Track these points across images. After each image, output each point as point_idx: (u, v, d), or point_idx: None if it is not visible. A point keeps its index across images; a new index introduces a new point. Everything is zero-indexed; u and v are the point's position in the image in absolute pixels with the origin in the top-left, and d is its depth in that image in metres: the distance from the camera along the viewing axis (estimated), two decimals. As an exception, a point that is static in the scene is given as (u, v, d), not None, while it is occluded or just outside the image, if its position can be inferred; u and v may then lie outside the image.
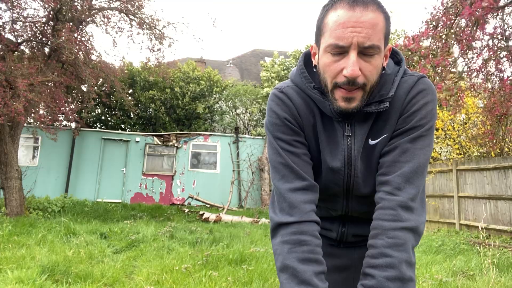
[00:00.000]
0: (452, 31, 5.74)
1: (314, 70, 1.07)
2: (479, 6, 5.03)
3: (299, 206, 0.98)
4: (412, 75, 1.06)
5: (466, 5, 5.33)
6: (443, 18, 5.91)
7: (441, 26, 5.93)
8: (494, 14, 5.82)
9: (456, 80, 6.12)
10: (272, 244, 1.02)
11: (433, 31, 5.96)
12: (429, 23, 6.11)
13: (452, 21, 5.80)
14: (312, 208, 1.00)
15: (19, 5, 8.97)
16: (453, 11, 5.83)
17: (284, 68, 18.94)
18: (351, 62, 0.91)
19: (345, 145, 1.06)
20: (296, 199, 0.99)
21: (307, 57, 1.12)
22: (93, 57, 10.40)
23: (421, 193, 1.00)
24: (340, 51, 0.93)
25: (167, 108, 16.13)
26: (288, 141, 1.05)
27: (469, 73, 6.09)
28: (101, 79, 11.07)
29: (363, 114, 1.03)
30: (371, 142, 1.05)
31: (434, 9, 6.16)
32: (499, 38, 5.97)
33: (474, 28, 5.59)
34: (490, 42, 5.94)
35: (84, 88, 11.28)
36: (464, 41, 5.57)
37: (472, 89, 6.41)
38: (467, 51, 5.76)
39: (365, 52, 0.92)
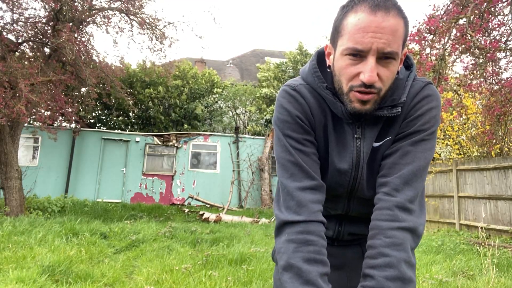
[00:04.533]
0: (463, 15, 5.65)
1: (328, 70, 1.06)
2: None
3: (307, 205, 0.98)
4: (420, 80, 1.06)
5: None
6: (452, 9, 5.82)
7: (448, 16, 5.86)
8: (500, 8, 5.78)
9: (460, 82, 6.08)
10: (276, 242, 1.00)
11: (440, 15, 5.87)
12: (434, 14, 6.05)
13: (460, 11, 5.74)
14: (319, 208, 0.99)
15: (20, 5, 8.97)
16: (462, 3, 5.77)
17: (281, 70, 18.96)
18: (369, 67, 0.91)
19: (354, 147, 1.05)
20: (305, 198, 0.98)
21: (320, 56, 1.11)
22: (94, 57, 10.40)
23: (420, 196, 1.00)
24: (359, 55, 0.92)
25: (165, 107, 16.11)
26: (298, 139, 1.04)
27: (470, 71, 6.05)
28: (101, 79, 11.06)
29: (373, 117, 1.03)
30: (375, 145, 1.05)
31: (436, 9, 6.13)
32: (498, 39, 5.96)
33: (483, 14, 5.53)
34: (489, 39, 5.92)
35: (84, 89, 11.28)
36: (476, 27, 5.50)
37: (470, 90, 6.39)
38: (472, 47, 5.72)
39: (383, 57, 0.92)
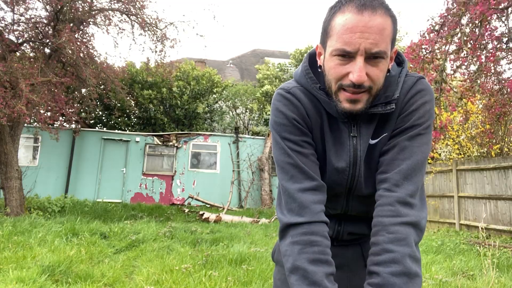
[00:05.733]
0: (458, 31, 5.72)
1: (319, 70, 1.07)
2: (492, 3, 5.05)
3: (310, 206, 0.98)
4: (412, 76, 1.07)
5: (470, 5, 5.33)
6: (449, 20, 5.90)
7: (446, 29, 5.93)
8: (499, 15, 5.82)
9: (468, 82, 6.11)
10: (281, 245, 1.01)
11: (437, 33, 5.97)
12: (432, 28, 6.12)
13: (456, 24, 5.81)
14: (321, 209, 1.00)
15: (21, 5, 8.97)
16: (457, 14, 5.83)
17: (280, 69, 18.99)
18: (357, 67, 0.91)
19: (351, 145, 1.06)
20: (307, 199, 0.99)
21: (312, 57, 1.12)
22: (94, 58, 10.39)
23: (420, 190, 1.00)
24: (347, 56, 0.93)
25: (166, 108, 16.11)
26: (296, 141, 1.05)
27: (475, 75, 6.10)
28: (101, 80, 11.06)
29: (368, 115, 1.04)
30: (371, 142, 1.06)
31: (440, 16, 6.17)
32: (502, 41, 5.98)
33: (477, 30, 5.60)
34: (490, 45, 5.95)
35: (84, 90, 11.29)
36: (471, 43, 5.58)
37: (472, 92, 6.42)
38: (473, 54, 5.77)
39: (372, 57, 0.92)
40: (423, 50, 6.02)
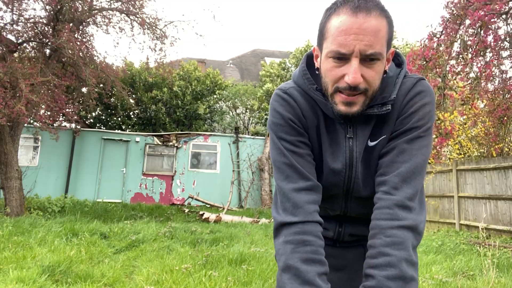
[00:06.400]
0: (459, 35, 5.77)
1: (317, 72, 1.07)
2: (488, 9, 5.08)
3: (303, 206, 0.98)
4: (411, 77, 1.06)
5: (469, 11, 5.36)
6: (449, 26, 5.93)
7: (445, 35, 5.97)
8: (502, 18, 5.84)
9: (471, 86, 6.15)
10: (275, 244, 1.01)
11: (438, 39, 6.02)
12: (432, 35, 6.15)
13: (457, 29, 5.84)
14: (315, 209, 1.00)
15: (20, 5, 8.97)
16: (458, 21, 5.86)
17: (283, 68, 18.99)
18: (352, 69, 0.91)
19: (347, 146, 1.06)
20: (301, 199, 0.99)
21: (310, 59, 1.12)
22: (94, 58, 10.39)
23: (420, 193, 1.00)
24: (342, 58, 0.93)
25: (167, 108, 16.11)
26: (292, 141, 1.05)
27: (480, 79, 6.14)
28: (101, 79, 11.05)
29: (364, 116, 1.03)
30: (370, 144, 1.05)
31: (441, 22, 6.20)
32: (504, 40, 6.00)
33: (480, 32, 5.63)
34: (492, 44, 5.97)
35: (84, 89, 11.28)
36: (472, 48, 5.62)
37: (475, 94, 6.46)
38: (475, 57, 5.81)
39: (367, 59, 0.92)
40: (422, 60, 6.07)
